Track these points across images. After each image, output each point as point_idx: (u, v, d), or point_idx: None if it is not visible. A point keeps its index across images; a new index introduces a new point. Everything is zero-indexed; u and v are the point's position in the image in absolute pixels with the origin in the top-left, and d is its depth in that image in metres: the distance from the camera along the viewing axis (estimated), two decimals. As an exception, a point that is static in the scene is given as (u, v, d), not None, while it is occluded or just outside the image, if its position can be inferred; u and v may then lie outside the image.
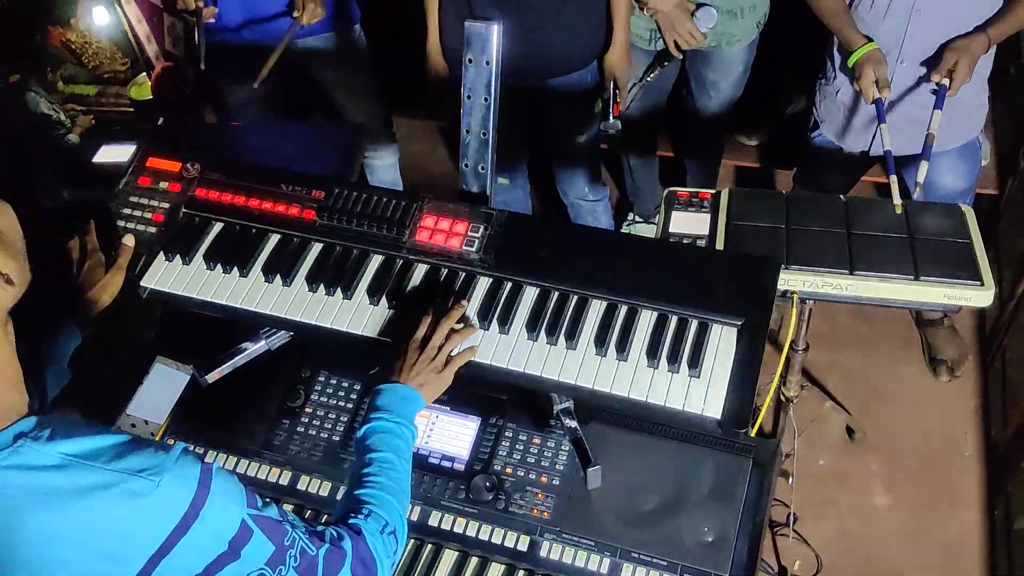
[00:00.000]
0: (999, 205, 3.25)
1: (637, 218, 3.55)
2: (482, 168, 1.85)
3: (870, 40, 2.40)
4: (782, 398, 2.50)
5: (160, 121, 3.09)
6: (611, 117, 2.66)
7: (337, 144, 2.27)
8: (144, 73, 3.43)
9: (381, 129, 3.18)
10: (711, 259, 1.79)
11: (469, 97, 1.80)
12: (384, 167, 3.28)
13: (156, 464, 1.17)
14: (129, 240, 1.76)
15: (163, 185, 1.85)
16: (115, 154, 2.26)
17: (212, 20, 2.70)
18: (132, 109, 3.55)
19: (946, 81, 2.29)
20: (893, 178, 1.98)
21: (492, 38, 1.74)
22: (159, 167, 1.87)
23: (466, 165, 1.86)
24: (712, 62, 2.89)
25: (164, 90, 3.40)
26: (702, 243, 1.97)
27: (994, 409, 2.94)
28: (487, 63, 1.76)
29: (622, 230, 3.55)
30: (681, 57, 2.77)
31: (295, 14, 2.65)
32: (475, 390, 1.86)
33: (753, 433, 1.86)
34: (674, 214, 2.05)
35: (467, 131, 1.83)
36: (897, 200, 1.94)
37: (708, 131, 3.21)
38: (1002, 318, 3.00)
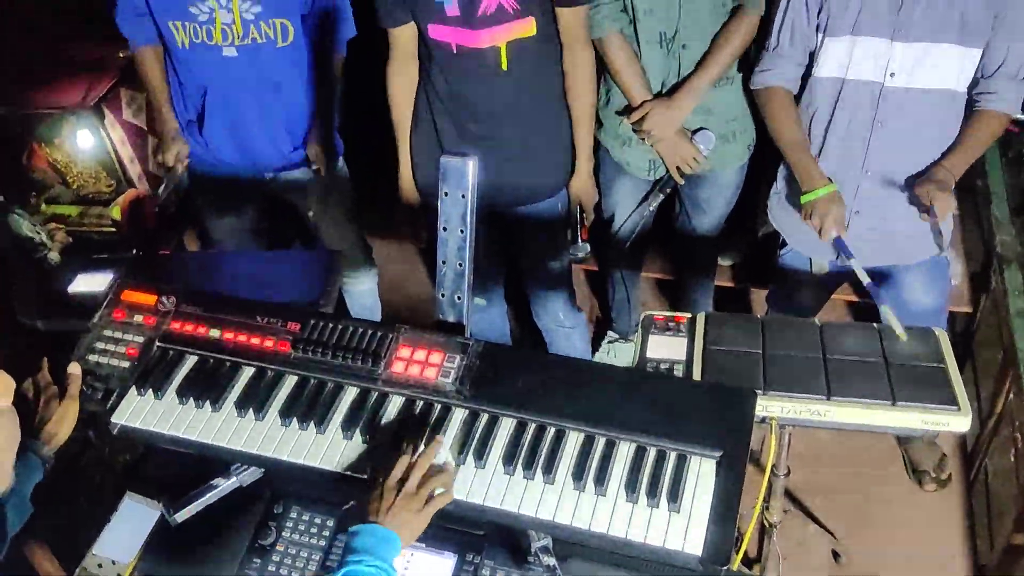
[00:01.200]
0: (974, 323, 3.29)
1: (616, 336, 3.55)
2: (458, 298, 1.86)
3: (830, 181, 2.43)
4: (765, 523, 2.46)
5: (135, 252, 3.13)
6: (579, 240, 2.69)
7: (314, 272, 2.27)
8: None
9: (360, 255, 3.20)
10: (688, 389, 1.78)
11: (445, 229, 1.82)
12: (362, 292, 3.27)
13: None
14: (75, 368, 1.74)
15: (138, 319, 1.84)
16: (92, 283, 2.25)
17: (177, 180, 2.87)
18: (114, 229, 3.58)
19: (936, 218, 2.27)
20: (884, 308, 1.98)
21: (468, 172, 1.77)
22: (134, 300, 1.86)
23: (442, 295, 1.87)
24: (706, 185, 2.94)
25: (130, 224, 3.46)
26: (679, 368, 1.96)
27: (979, 528, 2.90)
28: (463, 196, 1.78)
29: (601, 349, 3.55)
30: (682, 183, 2.81)
31: (315, 167, 2.81)
32: (451, 525, 1.81)
33: (737, 562, 1.83)
34: (651, 338, 2.05)
35: (443, 262, 1.84)
36: (900, 330, 1.95)
37: (707, 249, 3.26)
38: (982, 435, 3.00)
